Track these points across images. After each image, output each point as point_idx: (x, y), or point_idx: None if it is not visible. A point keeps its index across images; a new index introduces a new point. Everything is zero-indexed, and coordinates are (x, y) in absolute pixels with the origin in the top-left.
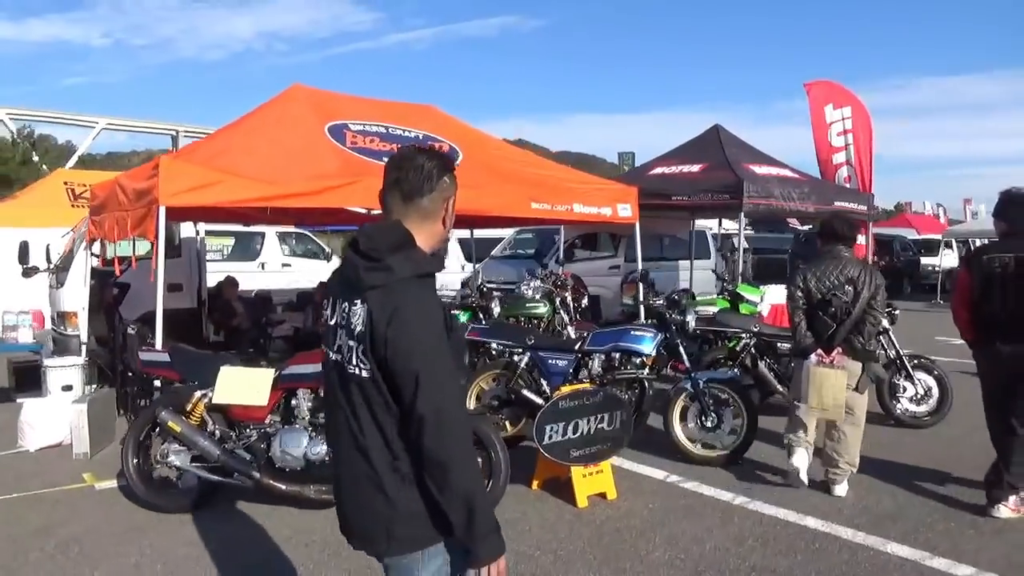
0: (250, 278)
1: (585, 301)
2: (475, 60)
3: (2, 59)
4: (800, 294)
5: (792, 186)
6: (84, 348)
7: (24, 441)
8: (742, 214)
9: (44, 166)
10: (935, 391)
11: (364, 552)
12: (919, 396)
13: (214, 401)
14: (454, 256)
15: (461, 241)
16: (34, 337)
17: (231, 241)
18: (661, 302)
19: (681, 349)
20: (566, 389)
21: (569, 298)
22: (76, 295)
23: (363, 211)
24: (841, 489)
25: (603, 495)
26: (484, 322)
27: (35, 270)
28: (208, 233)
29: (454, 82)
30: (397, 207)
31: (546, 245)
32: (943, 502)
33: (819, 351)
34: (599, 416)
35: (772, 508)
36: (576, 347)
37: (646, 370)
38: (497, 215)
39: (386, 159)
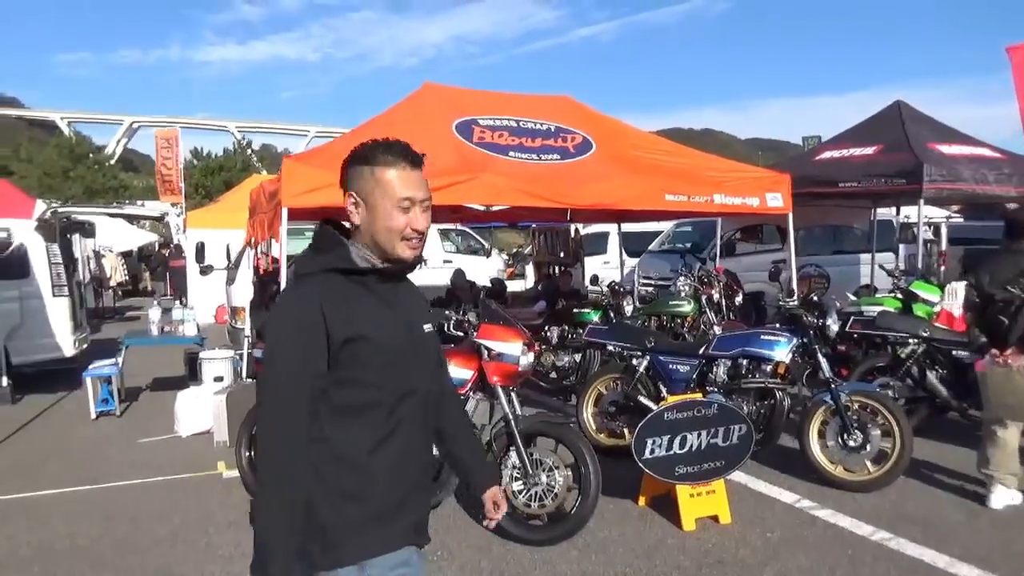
0: (413, 275)
1: (739, 299)
2: (661, 49)
3: (232, 78)
4: (974, 292)
5: (988, 167)
6: (247, 341)
7: (178, 427)
8: (921, 200)
9: (264, 171)
10: None
11: None
12: None
13: None
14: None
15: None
16: (198, 330)
17: None
18: (794, 302)
19: (820, 356)
20: (673, 399)
21: (716, 296)
22: (243, 291)
23: (481, 208)
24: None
25: (716, 518)
26: (615, 321)
27: (210, 268)
28: None
29: (640, 73)
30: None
31: (706, 238)
32: None
33: (993, 351)
34: (713, 430)
35: (918, 549)
36: (700, 351)
37: (778, 379)
38: (628, 208)
39: (513, 153)
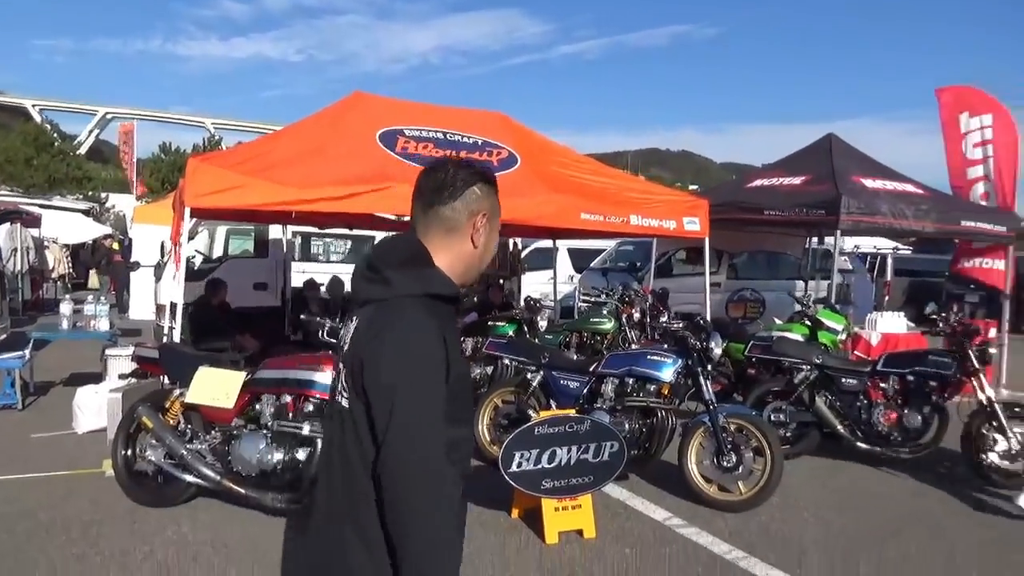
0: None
1: (664, 319)
2: (644, 70)
3: (212, 75)
4: None
5: (907, 202)
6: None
7: (75, 423)
8: (838, 231)
9: None
10: None
11: None
12: (1014, 451)
13: (186, 400)
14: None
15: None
16: (111, 327)
17: (348, 244)
18: (679, 325)
19: (702, 379)
20: (545, 414)
21: (638, 315)
22: (170, 289)
23: (392, 218)
24: None
25: (581, 532)
26: (528, 336)
27: (136, 265)
28: (327, 235)
29: (622, 93)
30: (418, 217)
31: (648, 257)
32: None
33: None
34: (584, 446)
35: (766, 568)
36: (591, 369)
37: (661, 399)
38: (544, 225)
39: None
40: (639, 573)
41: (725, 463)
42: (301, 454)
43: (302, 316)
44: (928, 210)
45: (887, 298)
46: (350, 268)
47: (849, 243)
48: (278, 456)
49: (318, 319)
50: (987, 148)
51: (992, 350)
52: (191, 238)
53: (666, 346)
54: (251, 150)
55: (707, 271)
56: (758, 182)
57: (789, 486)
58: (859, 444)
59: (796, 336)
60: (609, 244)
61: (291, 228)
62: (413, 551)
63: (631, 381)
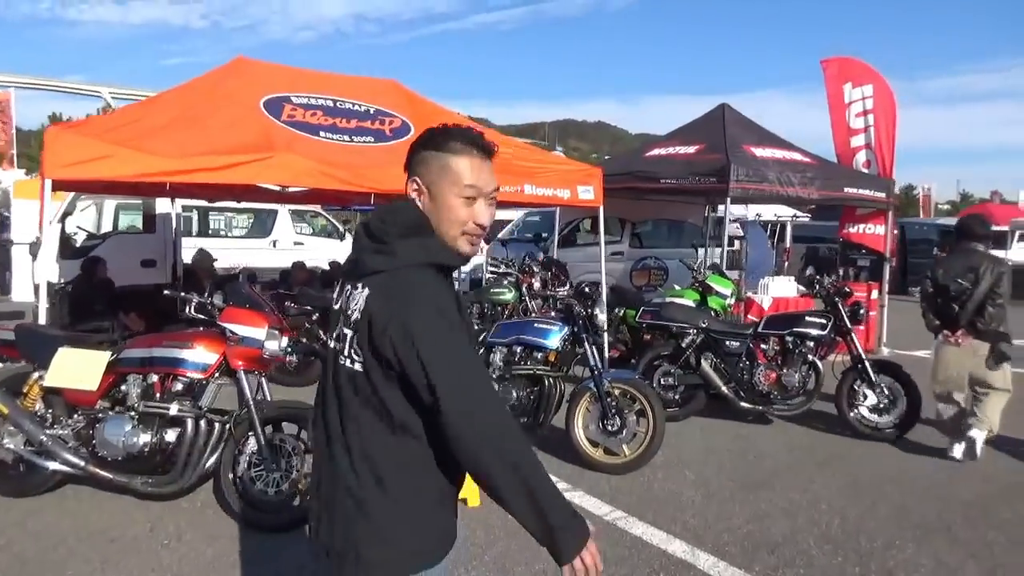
0: (262, 256)
1: (565, 289)
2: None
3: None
4: (929, 283)
5: (793, 170)
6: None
7: None
8: (728, 199)
9: None
10: (902, 400)
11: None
12: (882, 405)
13: (46, 384)
14: None
15: None
16: None
17: (251, 218)
18: (565, 292)
19: (588, 345)
20: None
21: (537, 285)
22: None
23: (276, 188)
24: (977, 437)
25: (465, 501)
26: None
27: (10, 243)
28: (224, 209)
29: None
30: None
31: (553, 228)
32: (849, 536)
33: (945, 332)
34: None
35: (643, 527)
36: (480, 338)
37: (548, 366)
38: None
39: (324, 134)
40: (511, 540)
41: (610, 427)
42: (170, 435)
43: (165, 291)
44: (813, 177)
45: (786, 263)
46: (253, 243)
47: (751, 211)
48: (145, 438)
49: (183, 294)
50: (868, 118)
51: (863, 311)
52: (67, 215)
53: (553, 314)
54: (120, 118)
55: (602, 240)
56: (656, 151)
57: (674, 447)
58: (742, 404)
59: (686, 301)
60: (517, 215)
61: (183, 202)
62: (507, 482)
63: (519, 350)
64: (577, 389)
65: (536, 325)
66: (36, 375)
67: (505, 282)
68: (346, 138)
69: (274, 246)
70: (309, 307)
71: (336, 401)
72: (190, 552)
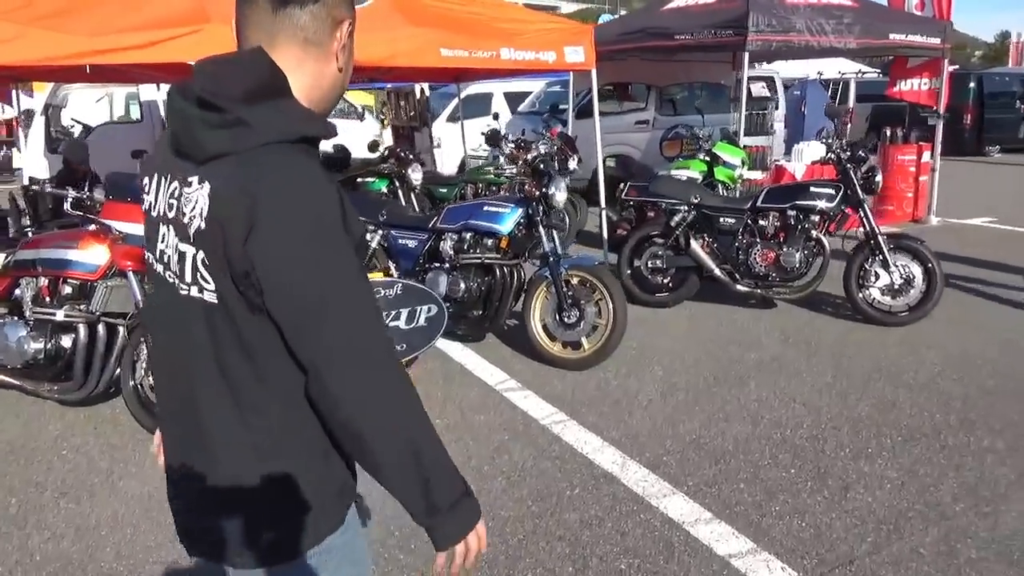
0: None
1: (574, 164)
2: None
3: None
4: None
5: (828, 16)
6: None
7: None
8: (746, 54)
9: None
10: (919, 281)
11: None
12: (896, 286)
13: None
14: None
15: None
16: None
17: None
18: (513, 169)
19: (542, 228)
20: None
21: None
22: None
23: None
24: None
25: None
26: (400, 191)
27: None
28: None
29: None
30: (259, 26)
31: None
32: (815, 441)
33: None
34: (395, 312)
35: (578, 432)
36: (430, 225)
37: (498, 254)
38: (398, 65)
39: None
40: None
41: (566, 319)
42: (65, 341)
43: (33, 187)
44: (851, 23)
45: (848, 126)
46: None
47: (811, 69)
48: (37, 345)
49: (53, 189)
50: None
51: (878, 178)
52: (52, 107)
53: (507, 195)
54: None
55: (595, 107)
56: (674, 3)
57: (653, 337)
58: (738, 287)
59: (692, 173)
60: (538, 86)
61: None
62: (388, 445)
63: (468, 236)
64: (533, 278)
65: (487, 208)
66: None
67: (500, 160)
68: None
69: None
70: None
71: (180, 343)
72: (83, 462)
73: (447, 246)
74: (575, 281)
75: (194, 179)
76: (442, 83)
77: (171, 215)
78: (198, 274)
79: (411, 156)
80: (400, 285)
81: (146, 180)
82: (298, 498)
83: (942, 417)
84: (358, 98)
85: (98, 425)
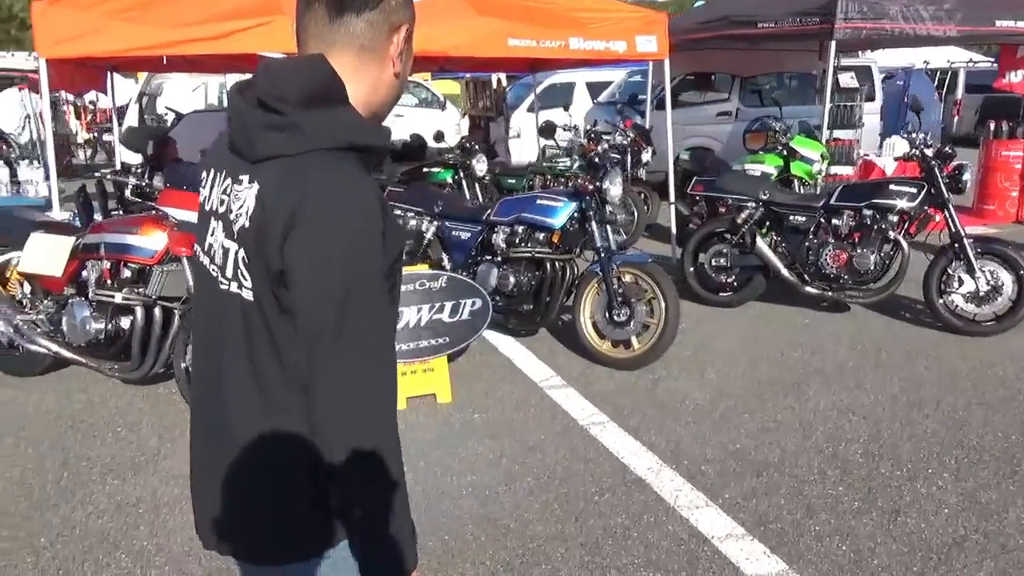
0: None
1: (647, 156)
2: None
3: None
4: None
5: (926, 2)
6: None
7: None
8: (832, 43)
9: None
10: (1008, 289)
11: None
12: (981, 293)
13: (19, 269)
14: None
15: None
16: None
17: None
18: (567, 161)
19: (595, 224)
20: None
21: (601, 152)
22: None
23: (281, 56)
24: None
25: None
26: (465, 182)
27: None
28: None
29: None
30: (318, 36)
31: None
32: (870, 459)
33: None
34: (439, 305)
35: (617, 435)
36: (484, 217)
37: (549, 248)
38: (465, 55)
39: None
40: (474, 441)
41: (616, 317)
42: (124, 322)
43: (107, 176)
44: (952, 10)
45: (956, 118)
46: None
47: (917, 58)
48: (99, 325)
49: (115, 177)
50: None
51: (966, 177)
52: (145, 96)
53: (563, 188)
54: None
55: (667, 98)
56: None
57: (710, 338)
58: (807, 288)
59: (767, 168)
60: (619, 75)
61: (233, 77)
62: (362, 474)
63: (520, 229)
64: (584, 274)
65: (539, 202)
66: (15, 261)
67: (571, 151)
68: None
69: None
70: None
71: (218, 338)
72: (135, 440)
73: (499, 239)
74: (627, 278)
75: (245, 178)
76: (520, 73)
77: (221, 211)
78: (238, 271)
79: (476, 146)
80: (445, 277)
81: (204, 174)
82: (316, 499)
83: (1018, 439)
84: (442, 87)
85: (155, 404)
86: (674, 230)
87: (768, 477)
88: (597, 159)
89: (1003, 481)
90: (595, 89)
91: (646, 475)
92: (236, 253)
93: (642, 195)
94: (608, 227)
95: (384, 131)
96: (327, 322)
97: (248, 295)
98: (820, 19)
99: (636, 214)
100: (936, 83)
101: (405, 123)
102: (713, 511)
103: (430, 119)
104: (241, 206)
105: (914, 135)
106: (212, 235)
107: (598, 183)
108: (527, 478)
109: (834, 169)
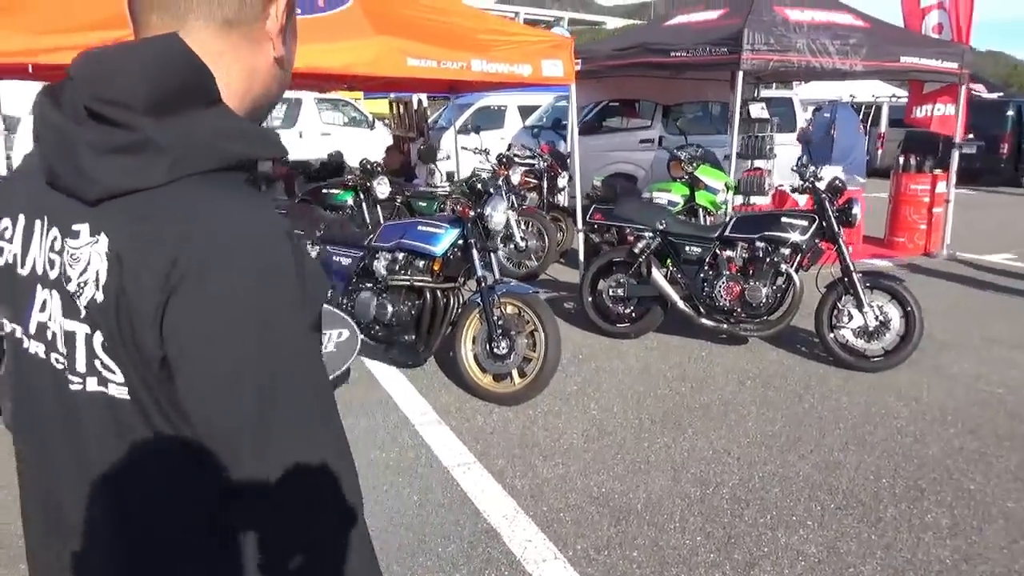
0: (289, 148)
1: (563, 182)
2: None
3: None
4: None
5: (833, 36)
6: None
7: None
8: (740, 74)
9: None
10: (896, 324)
11: None
12: (870, 328)
13: None
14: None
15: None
16: None
17: (281, 107)
18: (447, 186)
19: (474, 252)
20: None
21: (517, 179)
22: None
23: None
24: None
25: None
26: (363, 205)
27: None
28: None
29: None
30: (163, 6)
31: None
32: (737, 503)
33: None
34: None
35: (480, 478)
36: (365, 242)
37: (429, 276)
38: (360, 74)
39: None
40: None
41: (496, 350)
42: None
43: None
44: (858, 44)
45: (880, 151)
46: (283, 136)
47: (843, 91)
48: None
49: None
50: None
51: (855, 211)
52: None
53: (446, 214)
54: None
55: (572, 121)
56: (679, 18)
57: (599, 371)
58: (702, 320)
59: (674, 196)
60: (547, 99)
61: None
62: None
63: (401, 256)
64: (466, 304)
65: (420, 228)
66: None
67: (483, 176)
68: None
69: (300, 136)
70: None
71: (74, 467)
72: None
73: (380, 265)
74: (509, 310)
75: (83, 228)
76: (440, 93)
77: (52, 276)
78: (96, 361)
79: (379, 167)
80: None
81: (5, 221)
82: None
83: (888, 483)
84: (373, 107)
85: None
86: (582, 257)
87: (627, 525)
88: (480, 185)
89: (866, 529)
90: (527, 112)
91: (499, 523)
92: (88, 337)
93: (557, 221)
94: (492, 255)
95: (271, 137)
96: (243, 421)
97: (119, 392)
98: (728, 49)
99: (547, 240)
100: (861, 116)
101: (332, 142)
102: (560, 565)
103: (358, 139)
104: (84, 271)
105: (804, 167)
106: (43, 311)
107: (480, 209)
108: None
109: (753, 199)
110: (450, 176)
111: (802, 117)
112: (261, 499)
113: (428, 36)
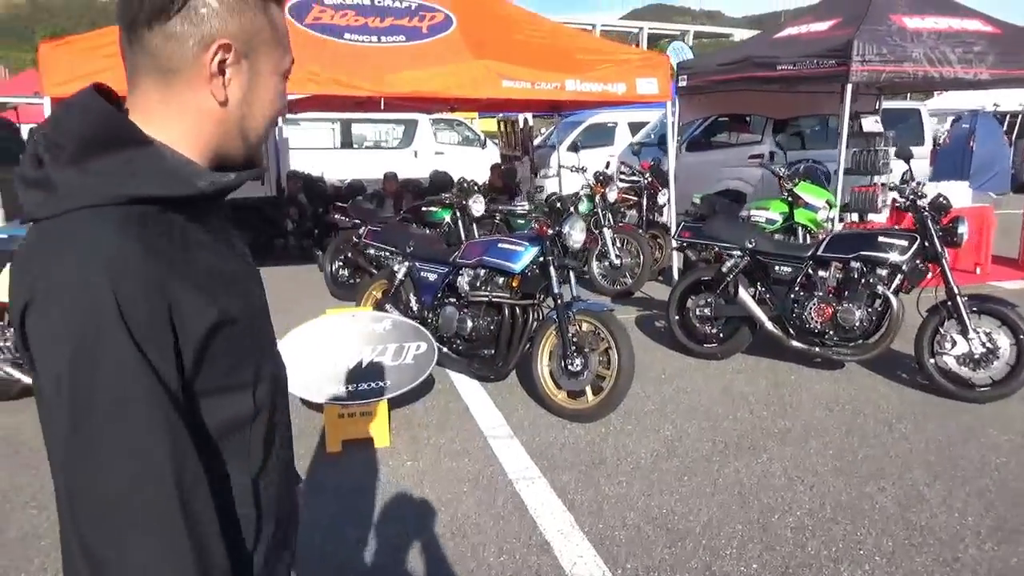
0: (404, 166)
1: (663, 199)
2: None
3: None
4: None
5: (955, 43)
6: None
7: None
8: (848, 86)
9: None
10: (1006, 351)
11: None
12: (976, 356)
13: None
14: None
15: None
16: None
17: (399, 128)
18: (526, 205)
19: (552, 269)
20: (332, 311)
21: (613, 196)
22: None
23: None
24: None
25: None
26: (460, 222)
27: None
28: (365, 120)
29: None
30: (128, 64)
31: (686, 129)
32: (801, 532)
33: None
34: (381, 347)
35: (542, 493)
36: (451, 259)
37: (507, 293)
38: (456, 97)
39: (349, 35)
40: (402, 487)
41: (570, 367)
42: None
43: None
44: (983, 52)
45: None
46: (394, 154)
47: (986, 100)
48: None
49: None
50: None
51: (962, 230)
52: None
53: (526, 232)
54: (111, 33)
55: (671, 138)
56: (787, 31)
57: (680, 392)
58: (792, 343)
59: (769, 215)
60: (655, 115)
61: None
62: None
63: (482, 272)
64: (544, 321)
65: (501, 245)
66: None
67: (579, 192)
68: (373, 39)
69: (415, 156)
70: (357, 220)
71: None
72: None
73: (463, 281)
74: (584, 327)
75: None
76: (545, 112)
77: None
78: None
79: (476, 186)
80: (389, 320)
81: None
82: None
83: (974, 521)
84: (483, 126)
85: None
86: (676, 275)
87: (682, 548)
88: (559, 204)
89: (939, 569)
90: (637, 129)
91: (553, 537)
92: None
93: (656, 239)
94: (570, 272)
95: (199, 175)
96: (58, 436)
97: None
98: (836, 61)
99: (642, 257)
100: (1006, 127)
101: (444, 161)
102: None
103: (470, 157)
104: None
105: (906, 184)
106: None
107: (558, 228)
108: (426, 534)
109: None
110: (552, 195)
111: (933, 129)
112: (66, 511)
113: (523, 58)
